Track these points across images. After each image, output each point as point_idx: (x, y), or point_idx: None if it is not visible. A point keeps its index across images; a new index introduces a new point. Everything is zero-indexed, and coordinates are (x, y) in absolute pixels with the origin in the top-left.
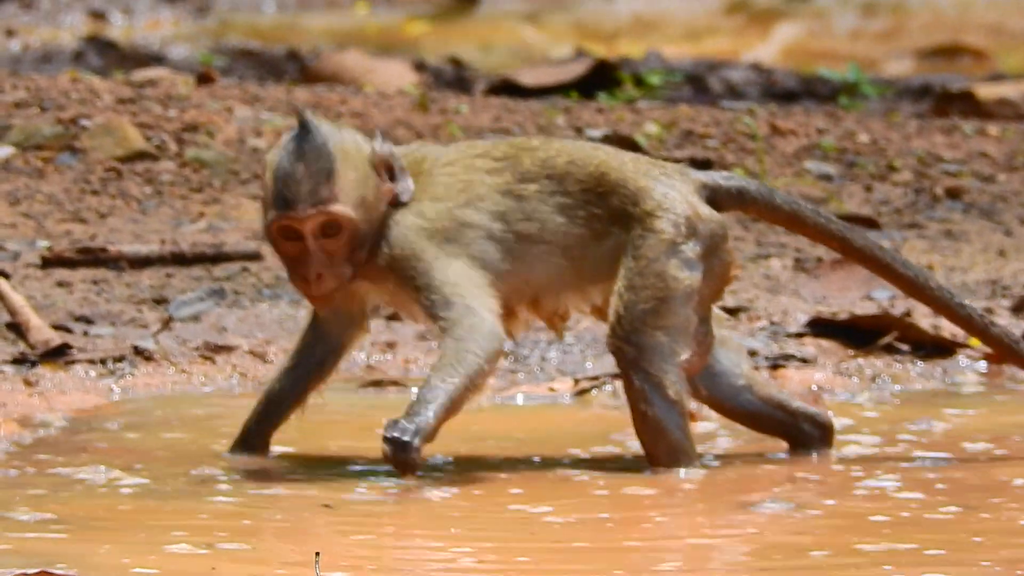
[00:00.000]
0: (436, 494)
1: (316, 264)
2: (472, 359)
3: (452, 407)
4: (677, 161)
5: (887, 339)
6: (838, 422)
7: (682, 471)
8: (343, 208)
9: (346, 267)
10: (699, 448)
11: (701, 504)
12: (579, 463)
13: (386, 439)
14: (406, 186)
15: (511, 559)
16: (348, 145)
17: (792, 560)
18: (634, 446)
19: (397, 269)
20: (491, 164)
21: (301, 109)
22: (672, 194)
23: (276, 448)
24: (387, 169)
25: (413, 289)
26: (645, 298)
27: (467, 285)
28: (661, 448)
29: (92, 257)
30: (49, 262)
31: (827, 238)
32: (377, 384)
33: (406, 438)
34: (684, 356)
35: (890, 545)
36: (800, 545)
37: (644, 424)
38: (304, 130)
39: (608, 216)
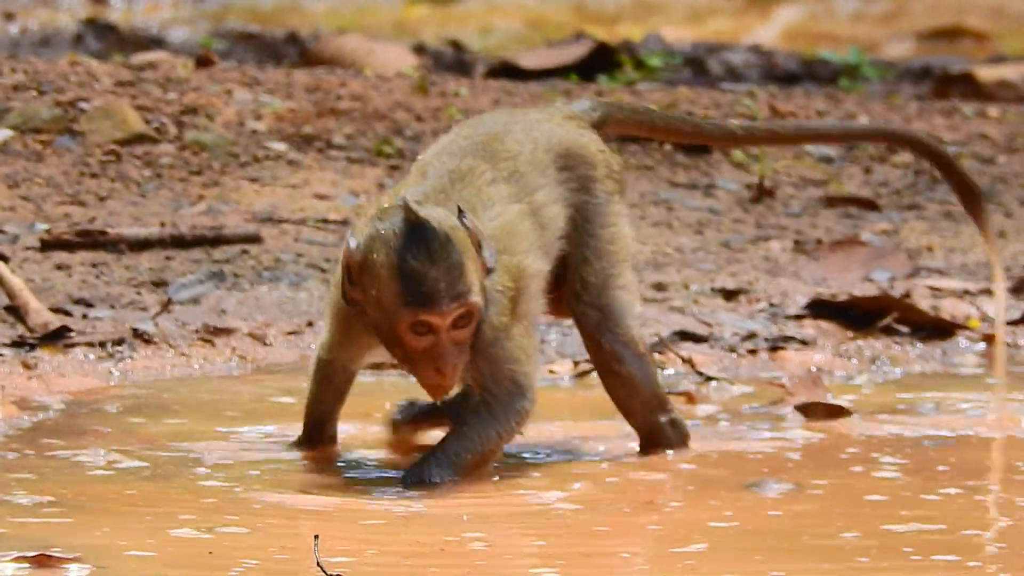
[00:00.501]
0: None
1: (451, 356)
2: (495, 439)
3: (463, 474)
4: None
5: (886, 321)
6: (840, 402)
7: (672, 452)
8: (477, 298)
9: (468, 352)
10: (700, 430)
11: (711, 487)
12: (582, 447)
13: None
14: (491, 253)
15: (525, 543)
16: (458, 231)
17: (823, 542)
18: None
19: (487, 338)
20: (508, 189)
21: (407, 201)
22: (606, 150)
23: (277, 432)
24: (476, 242)
25: (478, 354)
26: (612, 263)
27: (523, 358)
28: (636, 403)
29: (91, 240)
30: (48, 245)
31: (676, 132)
32: (377, 367)
33: (411, 492)
34: (640, 308)
35: (919, 526)
36: (830, 529)
37: (618, 382)
38: (417, 224)
39: (580, 187)
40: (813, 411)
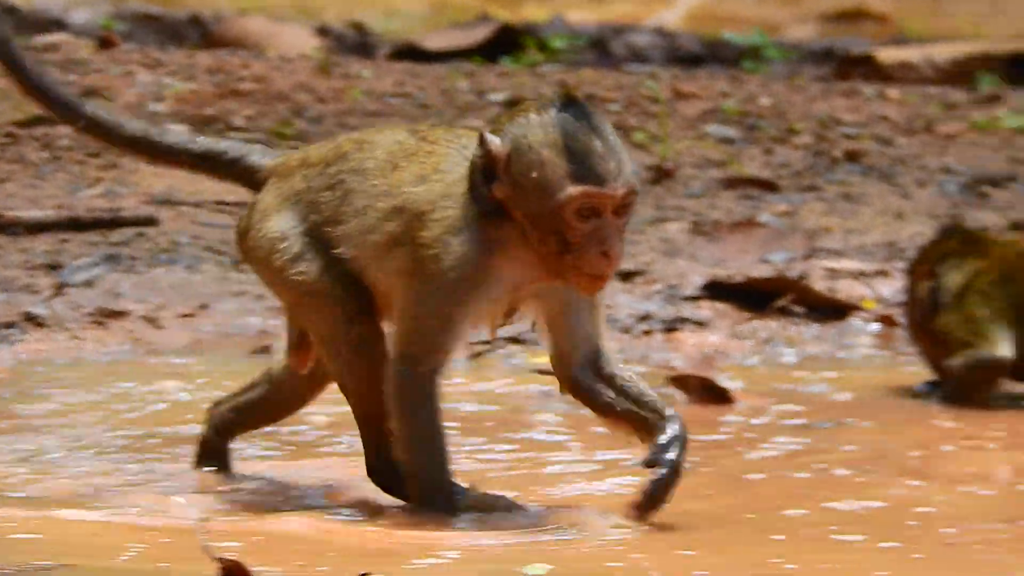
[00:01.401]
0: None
1: (618, 239)
2: None
3: None
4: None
5: (782, 302)
6: (731, 384)
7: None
8: (637, 184)
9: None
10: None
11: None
12: (563, 428)
13: None
14: None
15: (507, 538)
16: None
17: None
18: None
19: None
20: None
21: (566, 85)
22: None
23: (163, 413)
24: None
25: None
26: None
27: None
28: None
29: None
30: None
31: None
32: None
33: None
34: None
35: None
36: (784, 504)
37: None
38: (578, 104)
39: None
40: (691, 386)
